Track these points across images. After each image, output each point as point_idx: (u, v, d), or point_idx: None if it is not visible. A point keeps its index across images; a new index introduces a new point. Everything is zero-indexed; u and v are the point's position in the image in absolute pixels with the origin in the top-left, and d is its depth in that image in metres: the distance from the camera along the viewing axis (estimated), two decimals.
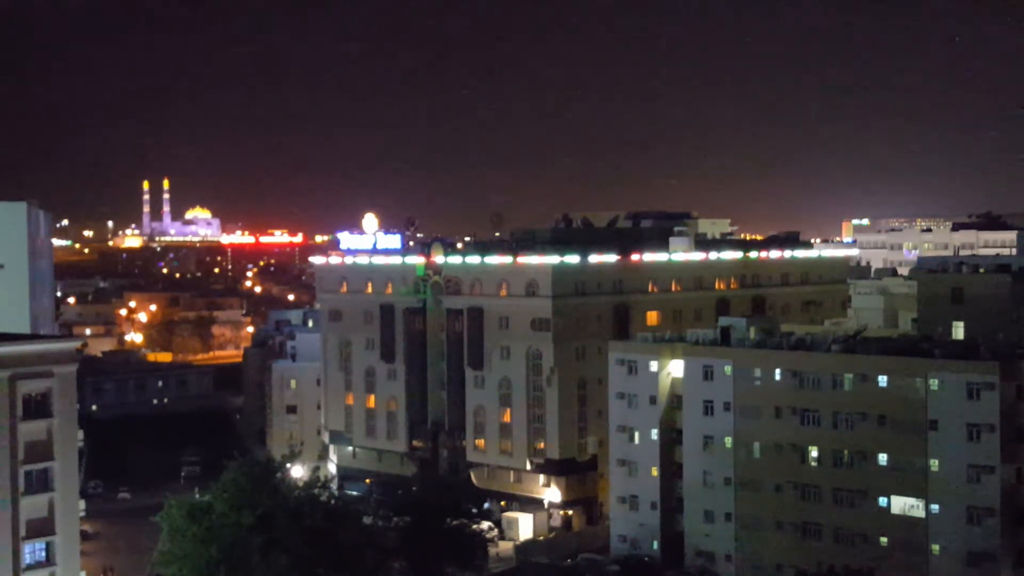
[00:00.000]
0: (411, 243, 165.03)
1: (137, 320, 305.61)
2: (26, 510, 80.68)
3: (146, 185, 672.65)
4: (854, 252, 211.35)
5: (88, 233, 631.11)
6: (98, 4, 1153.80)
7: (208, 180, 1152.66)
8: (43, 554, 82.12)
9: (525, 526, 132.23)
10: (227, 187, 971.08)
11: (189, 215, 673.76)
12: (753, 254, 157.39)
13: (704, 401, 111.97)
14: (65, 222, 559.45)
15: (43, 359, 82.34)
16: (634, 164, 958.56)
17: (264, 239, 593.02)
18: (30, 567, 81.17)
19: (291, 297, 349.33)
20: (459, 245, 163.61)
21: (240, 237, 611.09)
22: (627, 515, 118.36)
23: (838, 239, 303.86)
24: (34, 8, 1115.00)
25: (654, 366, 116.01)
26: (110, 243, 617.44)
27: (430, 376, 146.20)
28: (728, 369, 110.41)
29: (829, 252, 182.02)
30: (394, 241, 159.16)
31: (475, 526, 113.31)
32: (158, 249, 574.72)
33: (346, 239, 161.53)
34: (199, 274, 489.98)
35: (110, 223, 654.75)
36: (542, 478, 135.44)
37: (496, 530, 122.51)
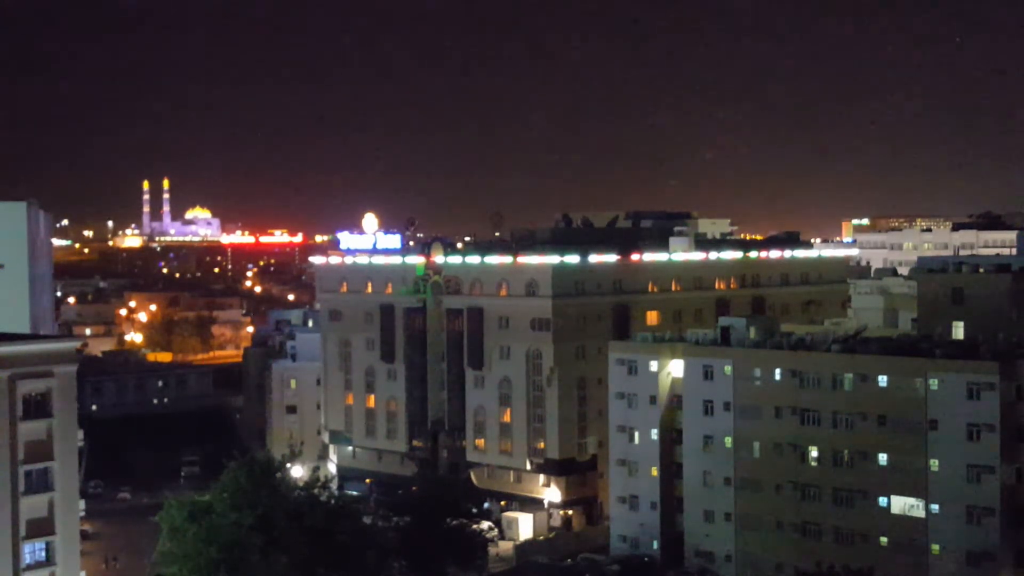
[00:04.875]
0: (411, 243, 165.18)
1: (137, 320, 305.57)
2: (26, 510, 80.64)
3: (146, 185, 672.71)
4: (854, 252, 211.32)
5: (88, 233, 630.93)
6: (99, 4, 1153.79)
7: (208, 180, 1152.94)
8: (43, 554, 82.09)
9: (525, 526, 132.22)
10: (227, 187, 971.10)
11: (189, 215, 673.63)
12: (753, 254, 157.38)
13: (704, 401, 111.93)
14: (65, 222, 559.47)
15: (43, 359, 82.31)
16: (634, 164, 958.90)
17: (264, 239, 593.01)
18: (30, 567, 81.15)
19: (291, 297, 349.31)
20: (459, 245, 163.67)
21: (240, 237, 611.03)
22: (627, 515, 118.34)
23: (838, 239, 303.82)
24: (34, 8, 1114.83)
25: (654, 366, 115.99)
26: (110, 243, 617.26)
27: (430, 376, 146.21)
28: (728, 369, 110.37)
29: (829, 252, 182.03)
30: (394, 241, 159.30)
31: (475, 526, 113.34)
32: (158, 249, 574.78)
33: (346, 239, 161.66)
34: (199, 274, 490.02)
35: (110, 223, 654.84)
36: (542, 478, 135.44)
37: (496, 530, 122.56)
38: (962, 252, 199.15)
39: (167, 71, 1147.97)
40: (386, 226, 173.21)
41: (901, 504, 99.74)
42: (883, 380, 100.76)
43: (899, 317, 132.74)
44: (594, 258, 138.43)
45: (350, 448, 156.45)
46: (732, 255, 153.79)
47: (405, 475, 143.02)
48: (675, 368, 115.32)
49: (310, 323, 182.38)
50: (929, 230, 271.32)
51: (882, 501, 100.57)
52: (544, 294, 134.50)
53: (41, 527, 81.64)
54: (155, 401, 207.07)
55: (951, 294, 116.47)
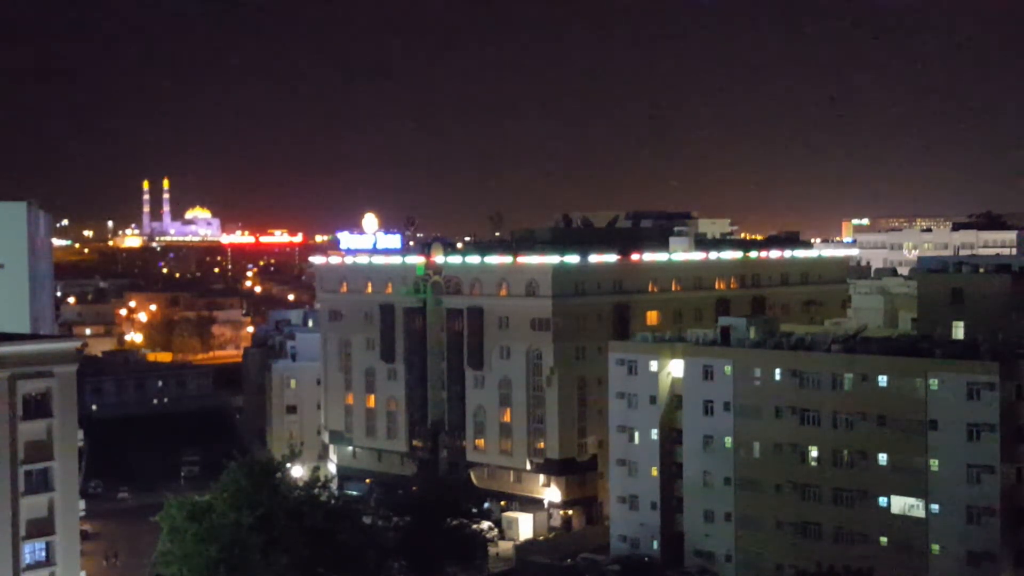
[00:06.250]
0: (411, 243, 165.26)
1: (137, 320, 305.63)
2: (26, 510, 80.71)
3: (146, 185, 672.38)
4: (854, 252, 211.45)
5: (88, 233, 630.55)
6: (98, 4, 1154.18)
7: (208, 180, 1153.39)
8: (43, 554, 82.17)
9: (525, 526, 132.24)
10: (227, 187, 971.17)
11: (189, 215, 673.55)
12: (753, 254, 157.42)
13: (704, 401, 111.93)
14: (65, 222, 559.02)
15: (43, 359, 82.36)
16: (634, 164, 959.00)
17: (264, 239, 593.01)
18: (30, 567, 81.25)
19: (291, 297, 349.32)
20: (459, 245, 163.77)
21: (240, 237, 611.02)
22: (627, 515, 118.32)
23: (838, 239, 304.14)
24: (34, 8, 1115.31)
25: (654, 366, 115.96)
26: (110, 243, 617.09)
27: (430, 376, 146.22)
28: (728, 369, 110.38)
29: (829, 252, 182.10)
30: (394, 241, 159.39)
31: (475, 526, 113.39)
32: (158, 249, 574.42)
33: (346, 239, 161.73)
34: (199, 274, 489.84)
35: (110, 223, 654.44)
36: (542, 478, 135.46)
37: (496, 530, 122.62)
38: (962, 252, 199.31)
39: (167, 71, 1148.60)
40: (386, 226, 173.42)
41: (901, 504, 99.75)
42: (883, 380, 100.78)
43: (899, 317, 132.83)
44: (594, 258, 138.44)
45: (350, 448, 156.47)
46: (732, 255, 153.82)
47: (405, 475, 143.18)
48: (675, 368, 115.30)
49: (310, 323, 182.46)
50: (929, 230, 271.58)
51: (882, 501, 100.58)
52: (544, 294, 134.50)
53: (41, 527, 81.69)
54: (155, 401, 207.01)
55: (951, 294, 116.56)
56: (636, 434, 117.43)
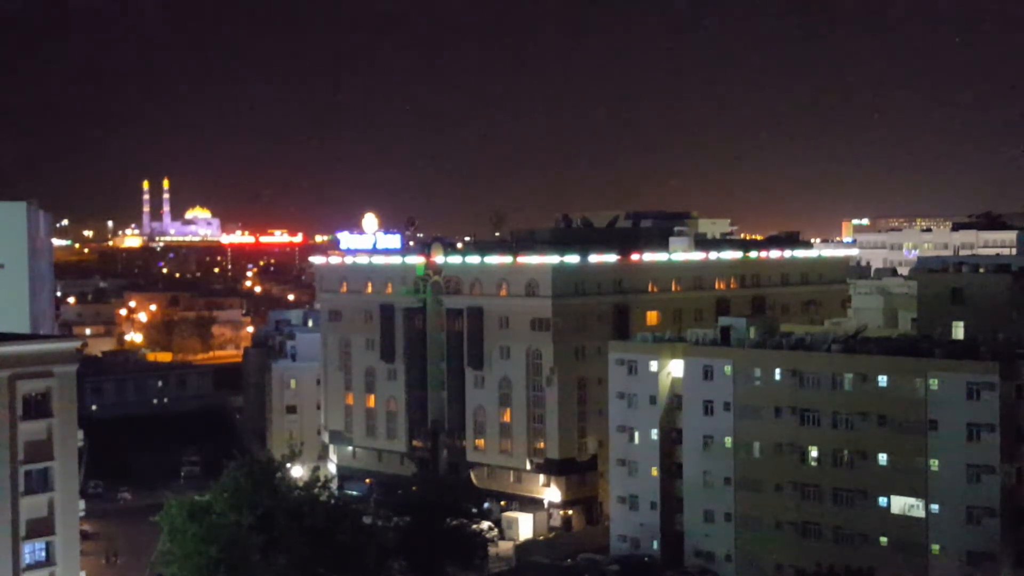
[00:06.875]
0: (411, 243, 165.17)
1: (137, 320, 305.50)
2: (26, 510, 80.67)
3: (146, 185, 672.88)
4: (854, 252, 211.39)
5: (88, 233, 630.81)
6: (98, 4, 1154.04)
7: (208, 180, 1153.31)
8: (43, 554, 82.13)
9: (525, 526, 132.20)
10: (227, 187, 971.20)
11: (189, 215, 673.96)
12: (753, 254, 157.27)
13: (704, 401, 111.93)
14: (65, 222, 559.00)
15: (43, 359, 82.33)
16: (634, 164, 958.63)
17: (264, 239, 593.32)
18: (30, 567, 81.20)
19: (291, 297, 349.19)
20: (459, 245, 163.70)
21: (240, 237, 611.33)
22: (627, 515, 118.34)
23: (838, 239, 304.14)
24: (34, 7, 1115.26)
25: (654, 366, 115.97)
26: (110, 243, 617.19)
27: (430, 376, 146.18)
28: (728, 369, 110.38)
29: (829, 252, 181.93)
30: (394, 241, 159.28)
31: (475, 526, 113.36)
32: (158, 249, 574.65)
33: (346, 239, 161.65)
34: (199, 274, 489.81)
35: (110, 223, 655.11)
36: (542, 478, 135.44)
37: (496, 530, 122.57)
38: (962, 252, 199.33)
39: (166, 71, 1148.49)
40: (386, 226, 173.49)
41: (901, 504, 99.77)
42: (883, 380, 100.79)
43: (899, 317, 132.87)
44: (594, 258, 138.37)
45: (350, 448, 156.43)
46: (732, 255, 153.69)
47: (405, 475, 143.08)
48: (675, 368, 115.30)
49: (310, 323, 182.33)
50: (929, 230, 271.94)
51: (882, 501, 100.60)
52: (544, 294, 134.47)
53: (41, 527, 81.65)
54: (155, 401, 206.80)
55: (951, 294, 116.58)
56: (636, 434, 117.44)
